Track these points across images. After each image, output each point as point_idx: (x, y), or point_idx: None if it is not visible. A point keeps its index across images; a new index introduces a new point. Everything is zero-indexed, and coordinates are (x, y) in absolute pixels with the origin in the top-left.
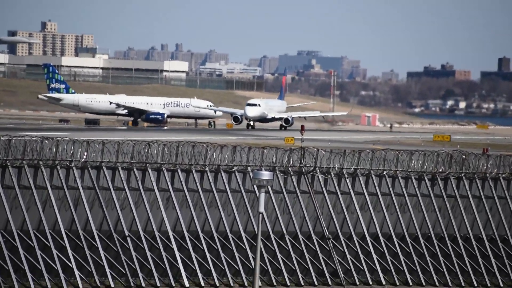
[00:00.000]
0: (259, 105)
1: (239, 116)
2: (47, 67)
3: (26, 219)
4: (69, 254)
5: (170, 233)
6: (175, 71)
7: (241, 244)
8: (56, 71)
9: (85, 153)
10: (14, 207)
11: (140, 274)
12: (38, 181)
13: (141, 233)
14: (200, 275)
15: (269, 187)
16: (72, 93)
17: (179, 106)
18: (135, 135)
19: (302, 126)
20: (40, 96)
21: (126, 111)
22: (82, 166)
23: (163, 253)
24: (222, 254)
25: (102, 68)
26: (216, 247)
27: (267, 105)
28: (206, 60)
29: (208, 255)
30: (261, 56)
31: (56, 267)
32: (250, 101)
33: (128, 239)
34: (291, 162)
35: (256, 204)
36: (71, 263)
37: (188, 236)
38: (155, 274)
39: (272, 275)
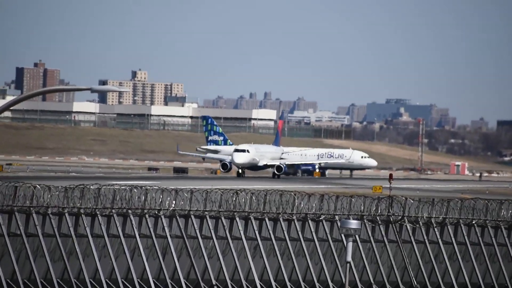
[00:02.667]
0: (248, 151)
1: (227, 163)
2: (206, 119)
3: (114, 267)
4: None
5: (257, 282)
6: (263, 119)
7: None
8: (215, 123)
9: (174, 202)
10: (103, 255)
11: None
12: (127, 230)
13: (229, 282)
14: None
15: (357, 236)
16: (230, 145)
17: (333, 157)
18: (223, 184)
19: (391, 175)
20: (198, 148)
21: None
22: (171, 215)
23: None
24: None
25: (191, 117)
26: None
27: (258, 151)
28: (295, 108)
29: None
30: (349, 104)
31: None
32: (239, 147)
33: (215, 287)
34: (379, 211)
35: (343, 253)
36: None
37: (276, 285)
38: None
39: None
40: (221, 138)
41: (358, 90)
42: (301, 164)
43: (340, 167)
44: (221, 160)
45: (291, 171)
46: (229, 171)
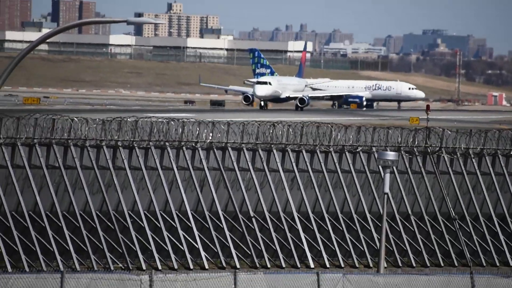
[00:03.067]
0: (270, 83)
1: (249, 96)
2: (253, 52)
3: (152, 199)
4: (195, 235)
5: (295, 214)
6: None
7: (366, 225)
8: (262, 55)
9: (211, 134)
10: (141, 188)
11: (265, 255)
12: (165, 162)
13: (266, 213)
14: (325, 256)
15: (394, 168)
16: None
17: (381, 89)
18: (261, 116)
19: (428, 106)
20: (246, 81)
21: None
22: (208, 147)
23: (288, 234)
24: (347, 235)
25: (227, 49)
26: (341, 228)
27: (280, 84)
28: (331, 40)
29: (333, 236)
30: (385, 36)
31: (182, 248)
32: (261, 79)
33: (253, 220)
34: (416, 142)
35: (381, 184)
36: (197, 243)
37: (313, 217)
38: (280, 255)
39: (397, 256)
40: (268, 70)
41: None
42: (349, 96)
43: (389, 99)
44: (243, 93)
45: (339, 103)
46: (251, 104)
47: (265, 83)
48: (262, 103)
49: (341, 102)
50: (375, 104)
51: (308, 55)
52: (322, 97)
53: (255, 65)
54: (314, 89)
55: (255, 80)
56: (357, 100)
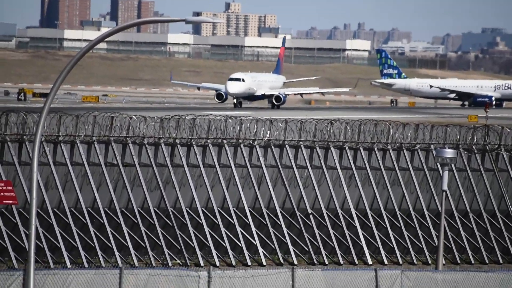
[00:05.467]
0: (243, 80)
1: (223, 93)
2: (380, 53)
3: (210, 197)
4: (253, 232)
5: (353, 211)
6: (357, 50)
7: (424, 222)
8: (389, 56)
9: (268, 132)
10: (199, 185)
11: (323, 252)
12: (222, 160)
13: (324, 210)
14: (383, 252)
15: (453, 165)
16: (404, 78)
17: (510, 88)
18: (317, 114)
19: (487, 104)
20: (373, 82)
21: (454, 94)
22: (265, 145)
23: (346, 231)
24: (405, 232)
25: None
26: (399, 225)
27: (255, 80)
28: (389, 39)
29: (391, 233)
30: (444, 34)
31: (240, 244)
32: (233, 75)
33: (311, 216)
34: (475, 140)
35: (439, 182)
36: (254, 240)
37: (371, 214)
38: (338, 252)
39: (456, 253)
40: (395, 71)
41: (453, 20)
42: (476, 95)
43: None
44: (216, 90)
45: (469, 103)
46: (224, 102)
47: (238, 79)
48: (235, 100)
49: (471, 102)
50: (504, 103)
51: (365, 53)
52: (448, 98)
53: (382, 66)
54: (442, 90)
55: (381, 80)
56: (487, 99)
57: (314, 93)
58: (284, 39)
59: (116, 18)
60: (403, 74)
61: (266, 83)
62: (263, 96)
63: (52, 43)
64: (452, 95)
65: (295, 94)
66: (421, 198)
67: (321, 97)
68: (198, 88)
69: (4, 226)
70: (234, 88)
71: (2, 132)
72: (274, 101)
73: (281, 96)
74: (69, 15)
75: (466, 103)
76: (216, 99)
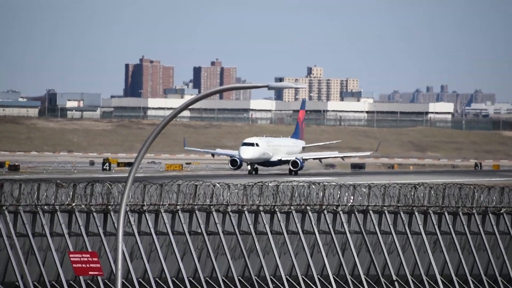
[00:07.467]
0: (257, 144)
1: (237, 159)
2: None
3: (294, 264)
4: None
5: (438, 277)
6: (441, 113)
7: (510, 286)
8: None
9: (352, 197)
10: (282, 252)
11: None
12: (306, 226)
13: (409, 276)
14: None
15: None
16: None
17: None
18: (400, 178)
19: None
20: None
21: None
22: (349, 210)
23: None
24: None
25: (367, 112)
26: None
27: (270, 145)
28: (472, 101)
29: None
30: None
31: None
32: (247, 140)
33: (396, 283)
34: None
35: None
36: None
37: (457, 280)
38: None
39: None
40: None
41: None
42: None
43: None
44: (230, 156)
45: None
46: (239, 168)
47: (251, 144)
48: (249, 167)
49: None
50: None
51: (449, 116)
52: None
53: None
54: None
55: None
56: None
57: (333, 157)
58: (303, 101)
59: (199, 86)
60: None
61: (283, 147)
62: (279, 162)
63: (136, 112)
64: None
65: (313, 158)
66: (507, 263)
67: (405, 161)
68: (213, 155)
69: None
70: (247, 153)
71: (88, 203)
72: (291, 167)
73: (298, 161)
74: (152, 84)
75: None
76: (230, 166)
